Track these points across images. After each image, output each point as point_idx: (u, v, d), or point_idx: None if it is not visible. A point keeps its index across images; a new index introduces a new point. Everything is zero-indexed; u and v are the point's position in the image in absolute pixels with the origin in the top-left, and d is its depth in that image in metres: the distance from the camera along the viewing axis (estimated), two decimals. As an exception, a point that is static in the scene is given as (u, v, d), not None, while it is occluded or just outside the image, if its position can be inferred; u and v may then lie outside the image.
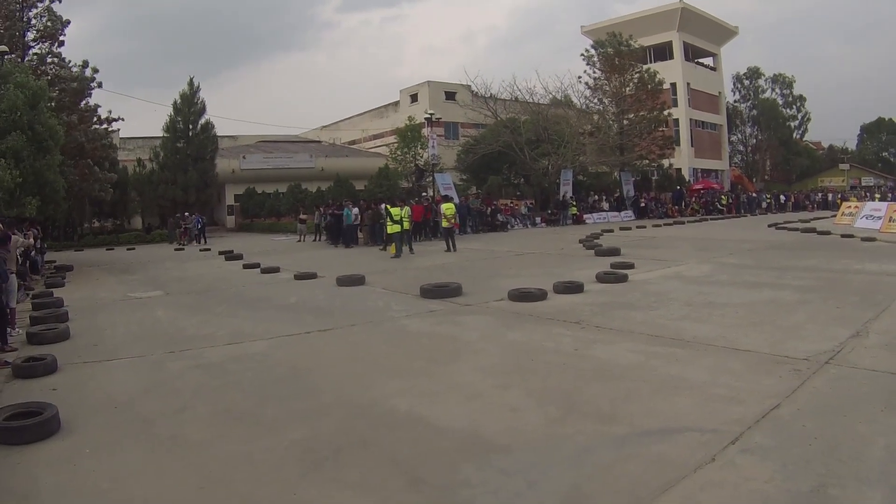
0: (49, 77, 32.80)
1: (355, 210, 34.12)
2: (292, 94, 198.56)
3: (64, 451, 6.42)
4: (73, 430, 6.94)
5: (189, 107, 54.73)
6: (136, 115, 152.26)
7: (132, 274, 24.45)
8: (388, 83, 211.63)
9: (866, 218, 34.61)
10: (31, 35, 34.48)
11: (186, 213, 46.39)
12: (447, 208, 29.98)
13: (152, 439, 6.73)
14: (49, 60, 34.66)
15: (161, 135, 55.78)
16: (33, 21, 34.40)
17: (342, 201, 38.77)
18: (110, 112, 38.34)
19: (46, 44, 34.85)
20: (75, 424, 7.10)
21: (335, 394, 8.12)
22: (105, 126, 38.63)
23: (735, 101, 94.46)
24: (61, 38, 35.13)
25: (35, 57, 34.14)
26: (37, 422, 6.77)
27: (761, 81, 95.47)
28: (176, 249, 38.46)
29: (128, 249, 40.30)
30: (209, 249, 35.62)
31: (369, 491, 5.41)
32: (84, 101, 36.31)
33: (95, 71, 35.79)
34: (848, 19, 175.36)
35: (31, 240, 20.83)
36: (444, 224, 29.68)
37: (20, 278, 15.45)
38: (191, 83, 55.28)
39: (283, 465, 5.98)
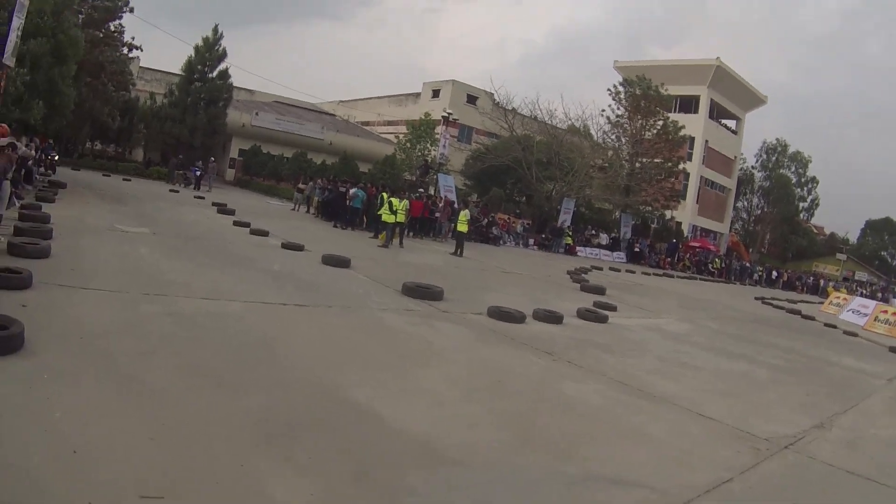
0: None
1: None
2: (316, 62, 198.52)
3: (22, 371, 6.33)
4: (35, 352, 6.84)
5: (209, 51, 54.74)
6: (158, 46, 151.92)
7: (124, 205, 24.35)
8: (411, 71, 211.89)
9: (852, 312, 34.73)
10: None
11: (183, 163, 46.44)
12: (464, 214, 30.47)
13: (112, 377, 6.68)
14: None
15: (178, 73, 55.79)
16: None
17: (342, 179, 38.56)
18: (133, 38, 38.21)
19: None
20: (38, 346, 7.01)
21: (300, 371, 8.11)
22: (126, 51, 38.48)
23: (753, 167, 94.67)
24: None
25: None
26: (0, 336, 6.66)
27: (784, 157, 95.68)
28: (171, 190, 38.25)
29: (124, 180, 40.08)
30: (203, 198, 35.47)
31: (315, 476, 5.39)
32: (113, 23, 36.22)
33: None
34: (877, 109, 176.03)
35: (33, 151, 20.74)
36: (462, 228, 29.98)
37: (13, 185, 15.35)
38: (215, 30, 55.29)
39: (238, 431, 5.95)
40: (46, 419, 5.47)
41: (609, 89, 58.41)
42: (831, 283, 69.18)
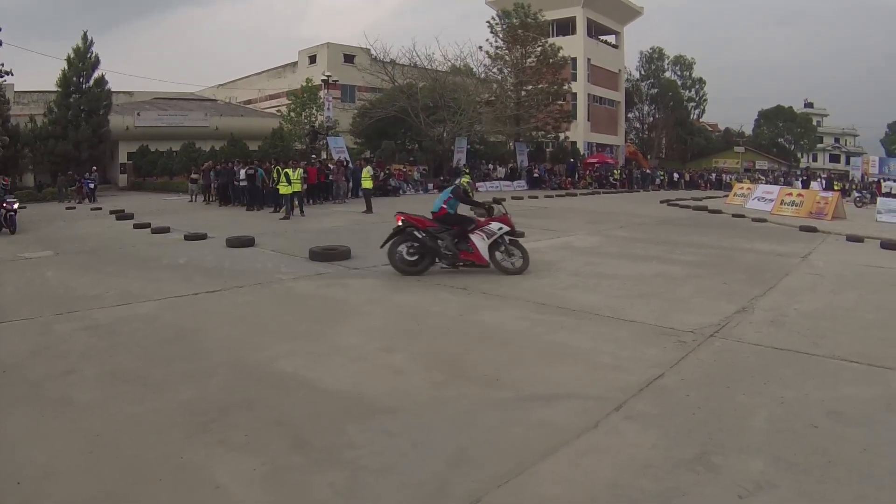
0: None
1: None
2: (193, 51, 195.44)
3: (-52, 421, 6.18)
4: (-43, 396, 6.69)
5: (82, 61, 53.19)
6: (33, 67, 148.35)
7: (23, 233, 23.79)
8: (289, 43, 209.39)
9: (758, 199, 35.53)
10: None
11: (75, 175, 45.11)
12: (366, 171, 31.33)
13: (40, 403, 6.59)
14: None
15: (55, 89, 54.22)
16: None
17: (232, 161, 38.20)
18: (2, 65, 37.14)
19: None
20: (-41, 390, 6.85)
21: (222, 355, 8.07)
22: None
23: (638, 80, 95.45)
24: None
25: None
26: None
27: (663, 62, 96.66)
28: (67, 208, 37.32)
29: (18, 208, 39.16)
30: (100, 208, 34.70)
31: (255, 452, 5.41)
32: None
33: None
34: (757, 8, 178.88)
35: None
36: (367, 185, 30.61)
37: None
38: (84, 37, 53.43)
39: (171, 426, 5.93)
40: (-19, 460, 5.37)
41: (488, 22, 58.70)
42: (734, 177, 70.27)
